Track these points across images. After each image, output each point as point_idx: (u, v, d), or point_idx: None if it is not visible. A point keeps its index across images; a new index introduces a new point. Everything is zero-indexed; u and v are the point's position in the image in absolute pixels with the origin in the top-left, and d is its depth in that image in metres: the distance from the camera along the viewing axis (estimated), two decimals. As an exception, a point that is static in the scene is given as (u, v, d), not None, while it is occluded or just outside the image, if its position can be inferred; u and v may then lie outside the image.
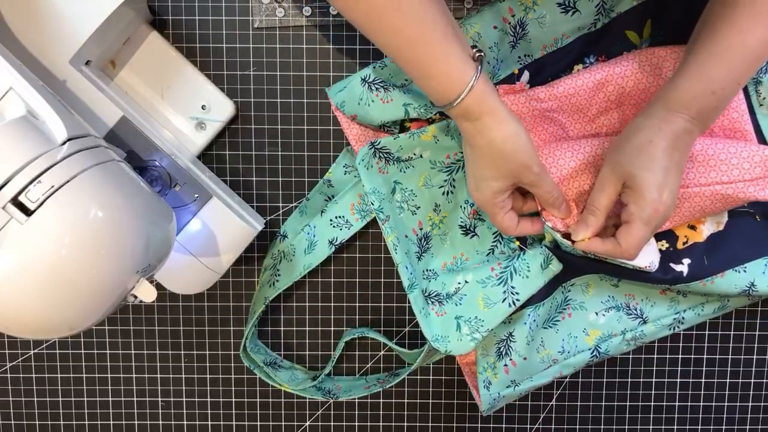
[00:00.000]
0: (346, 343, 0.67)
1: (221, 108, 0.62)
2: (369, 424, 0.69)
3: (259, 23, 0.63)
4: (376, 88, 0.59)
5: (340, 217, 0.63)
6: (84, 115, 0.54)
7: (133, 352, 0.68)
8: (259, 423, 0.69)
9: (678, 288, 0.60)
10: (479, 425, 0.69)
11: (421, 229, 0.63)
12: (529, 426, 0.69)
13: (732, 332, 0.68)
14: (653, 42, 0.61)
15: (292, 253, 0.63)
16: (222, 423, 0.69)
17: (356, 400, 0.69)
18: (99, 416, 0.69)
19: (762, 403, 0.69)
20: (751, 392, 0.69)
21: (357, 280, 0.67)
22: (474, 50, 0.49)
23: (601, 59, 0.61)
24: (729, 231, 0.60)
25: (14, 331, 0.45)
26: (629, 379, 0.68)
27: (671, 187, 0.50)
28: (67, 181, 0.43)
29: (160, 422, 0.69)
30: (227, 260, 0.58)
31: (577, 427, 0.69)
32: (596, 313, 0.64)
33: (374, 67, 0.60)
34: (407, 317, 0.67)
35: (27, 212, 0.41)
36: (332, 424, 0.69)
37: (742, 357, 0.68)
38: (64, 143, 0.45)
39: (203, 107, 0.62)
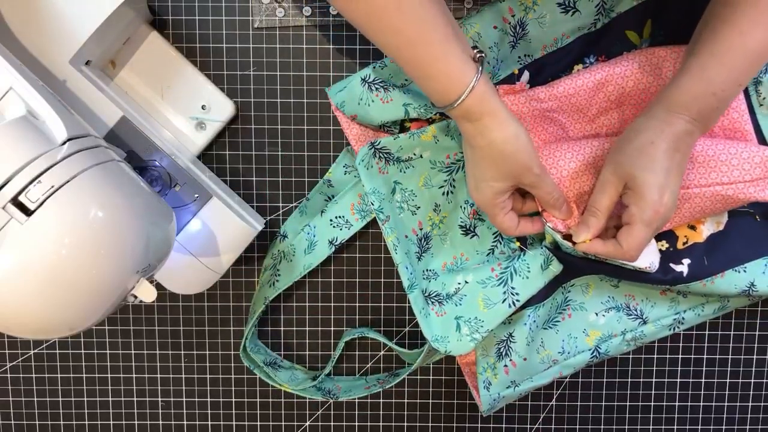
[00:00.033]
0: (346, 343, 0.67)
1: (221, 108, 0.62)
2: (369, 424, 0.69)
3: (259, 23, 0.62)
4: (376, 88, 0.59)
5: (340, 217, 0.63)
6: (84, 115, 0.54)
7: (133, 352, 0.68)
8: (259, 423, 0.69)
9: (678, 288, 0.60)
10: (479, 425, 0.69)
11: (421, 229, 0.63)
12: (529, 426, 0.69)
13: (732, 332, 0.68)
14: (653, 42, 0.61)
15: (292, 253, 0.63)
16: (222, 423, 0.69)
17: (356, 400, 0.69)
18: (99, 416, 0.69)
19: (762, 403, 0.69)
20: (751, 392, 0.69)
21: (357, 280, 0.67)
22: (475, 51, 0.49)
23: (601, 59, 0.61)
24: (729, 231, 0.60)
25: (14, 331, 0.45)
26: (629, 379, 0.68)
27: (672, 189, 0.50)
28: (67, 181, 0.43)
29: (160, 422, 0.69)
30: (227, 260, 0.58)
31: (577, 427, 0.69)
32: (596, 314, 0.64)
33: (374, 67, 0.60)
34: (407, 317, 0.67)
35: (27, 212, 0.41)
36: (332, 424, 0.69)
37: (742, 357, 0.68)
38: (64, 143, 0.45)
39: (203, 107, 0.62)
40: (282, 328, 0.68)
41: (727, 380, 0.68)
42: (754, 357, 0.68)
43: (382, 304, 0.67)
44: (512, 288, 0.59)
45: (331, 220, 0.63)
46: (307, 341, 0.68)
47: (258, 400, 0.69)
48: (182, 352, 0.68)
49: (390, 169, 0.61)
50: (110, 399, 0.68)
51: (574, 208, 0.56)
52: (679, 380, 0.68)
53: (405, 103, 0.59)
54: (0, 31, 0.53)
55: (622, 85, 0.58)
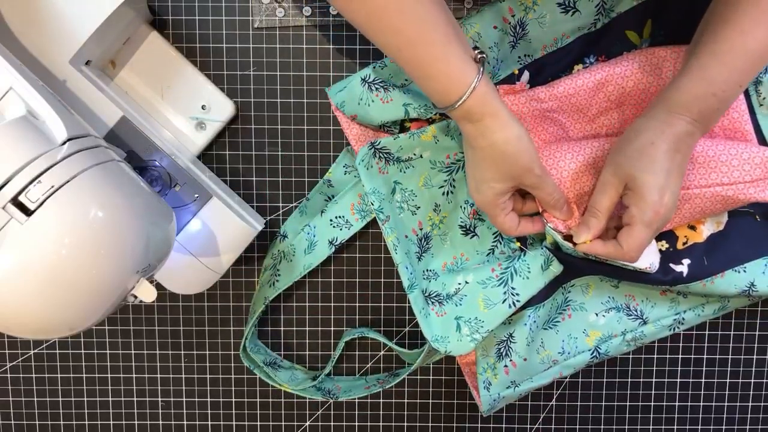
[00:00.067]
0: (346, 343, 0.67)
1: (221, 108, 0.62)
2: (369, 424, 0.69)
3: (259, 23, 0.62)
4: (376, 88, 0.59)
5: (340, 217, 0.62)
6: (84, 115, 0.54)
7: (133, 352, 0.68)
8: (259, 423, 0.69)
9: (678, 289, 0.60)
10: (479, 425, 0.69)
11: (421, 229, 0.63)
12: (529, 426, 0.69)
13: (732, 332, 0.68)
14: (653, 42, 0.60)
15: (292, 253, 0.63)
16: (222, 423, 0.69)
17: (356, 400, 0.69)
18: (99, 416, 0.69)
19: (762, 403, 0.69)
20: (751, 392, 0.69)
21: (357, 280, 0.67)
22: (476, 51, 0.49)
23: (601, 59, 0.61)
24: (729, 231, 0.60)
25: (14, 331, 0.45)
26: (629, 379, 0.68)
27: (672, 190, 0.50)
28: (67, 181, 0.43)
29: (160, 422, 0.69)
30: (227, 260, 0.58)
31: (577, 427, 0.69)
32: (596, 314, 0.64)
33: (374, 67, 0.60)
34: (407, 317, 0.67)
35: (27, 212, 0.41)
36: (332, 424, 0.69)
37: (742, 357, 0.68)
38: (64, 143, 0.45)
39: (203, 107, 0.62)
40: (282, 328, 0.68)
41: (727, 380, 0.68)
42: (754, 357, 0.68)
43: (382, 304, 0.67)
44: (512, 288, 0.59)
45: (331, 220, 0.62)
46: (307, 341, 0.68)
47: (258, 400, 0.69)
48: (182, 352, 0.68)
49: (390, 169, 0.61)
50: (110, 399, 0.68)
51: (575, 208, 0.56)
52: (679, 380, 0.68)
53: (405, 103, 0.59)
54: (0, 31, 0.53)
55: (622, 85, 0.58)
